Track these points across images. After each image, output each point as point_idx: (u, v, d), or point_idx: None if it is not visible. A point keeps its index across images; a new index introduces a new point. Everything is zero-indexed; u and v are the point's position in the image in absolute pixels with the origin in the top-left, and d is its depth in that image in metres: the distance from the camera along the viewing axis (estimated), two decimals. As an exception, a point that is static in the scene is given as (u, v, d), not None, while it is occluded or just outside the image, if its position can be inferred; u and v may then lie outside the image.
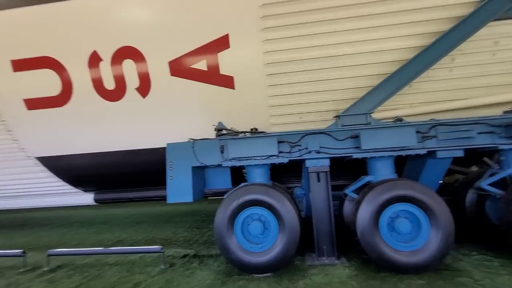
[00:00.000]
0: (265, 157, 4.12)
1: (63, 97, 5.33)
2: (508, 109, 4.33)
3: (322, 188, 4.06)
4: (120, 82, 5.15)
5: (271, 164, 4.26)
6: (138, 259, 4.83)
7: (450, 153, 3.82)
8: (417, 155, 3.92)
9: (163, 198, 4.93)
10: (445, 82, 4.64)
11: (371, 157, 4.01)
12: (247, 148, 4.16)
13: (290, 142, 4.11)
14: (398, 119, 4.25)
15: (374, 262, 3.65)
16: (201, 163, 4.33)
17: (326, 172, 4.05)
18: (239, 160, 4.20)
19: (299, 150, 4.08)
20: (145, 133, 5.42)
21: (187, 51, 4.94)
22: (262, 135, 4.32)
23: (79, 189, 6.35)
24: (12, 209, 7.56)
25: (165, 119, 5.28)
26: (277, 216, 3.81)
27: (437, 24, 4.35)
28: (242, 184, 4.21)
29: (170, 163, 4.42)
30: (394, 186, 3.62)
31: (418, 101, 4.81)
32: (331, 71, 4.69)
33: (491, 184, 3.98)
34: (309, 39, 4.61)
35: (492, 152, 4.40)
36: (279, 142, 4.11)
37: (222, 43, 4.85)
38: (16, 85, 5.36)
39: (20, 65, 5.29)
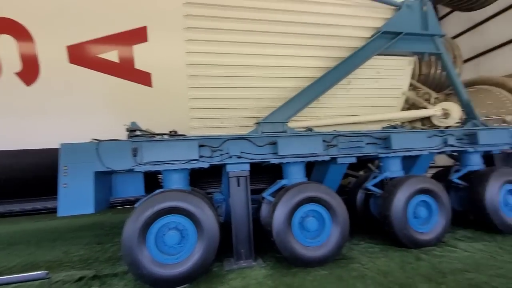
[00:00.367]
0: (185, 161, 3.91)
1: None
2: (386, 126, 5.50)
3: (242, 192, 4.14)
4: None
5: (191, 169, 4.07)
6: (11, 292, 3.74)
7: (347, 160, 4.54)
8: (323, 161, 4.49)
9: (53, 211, 4.01)
10: (344, 100, 5.52)
11: (287, 163, 4.35)
12: (165, 151, 3.85)
13: (212, 147, 4.04)
14: (309, 129, 4.77)
15: (287, 260, 3.93)
16: (108, 168, 3.74)
17: (246, 176, 4.16)
18: (155, 164, 3.84)
19: (221, 154, 4.06)
20: (29, 130, 4.33)
21: (94, 37, 4.25)
22: (182, 138, 4.08)
23: None
24: None
25: (58, 114, 4.36)
26: (196, 224, 3.65)
27: (339, 50, 5.16)
28: (158, 190, 3.86)
29: (65, 168, 3.63)
30: (305, 189, 4.04)
31: (324, 114, 5.56)
32: (253, 79, 4.91)
33: (374, 185, 4.94)
34: (233, 46, 4.71)
35: (374, 159, 5.47)
36: (200, 146, 3.98)
37: (139, 35, 4.40)
38: None
39: None
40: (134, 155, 3.78)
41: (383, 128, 5.34)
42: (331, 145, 4.45)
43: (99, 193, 3.82)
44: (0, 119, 4.22)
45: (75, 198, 3.60)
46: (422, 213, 4.49)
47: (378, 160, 5.12)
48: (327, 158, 4.43)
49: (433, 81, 8.31)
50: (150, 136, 4.09)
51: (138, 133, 4.07)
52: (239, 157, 4.10)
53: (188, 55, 4.53)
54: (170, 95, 4.67)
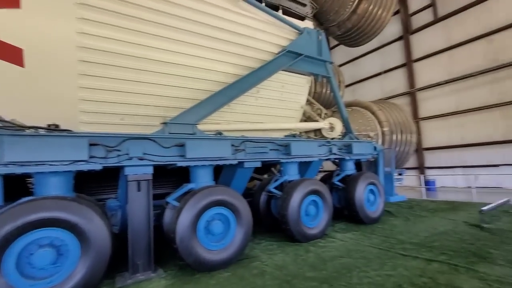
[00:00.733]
0: (69, 162, 3.24)
1: None
2: (287, 134, 6.15)
3: (143, 197, 3.75)
4: None
5: (77, 171, 3.40)
6: None
7: (253, 164, 4.81)
8: (231, 165, 4.61)
9: None
10: (252, 108, 5.86)
11: (195, 166, 4.23)
12: (39, 149, 3.08)
13: (107, 146, 3.51)
14: (219, 133, 4.81)
15: (191, 266, 3.79)
16: None
17: (148, 180, 3.80)
18: (22, 165, 3.02)
19: (118, 155, 3.57)
20: None
21: None
22: (66, 134, 3.37)
23: None
24: None
25: None
26: (81, 237, 3.06)
27: (250, 60, 5.46)
28: (26, 198, 3.04)
29: None
30: (213, 192, 4.02)
31: (234, 119, 5.74)
32: (162, 76, 4.59)
33: (275, 188, 5.41)
34: (142, 36, 4.28)
35: (276, 164, 6.00)
36: (91, 144, 3.40)
37: (7, -3, 3.42)
38: None
39: None
40: (-11, 152, 2.86)
41: (285, 136, 5.95)
42: (239, 150, 4.61)
43: None
44: None
45: None
46: (312, 211, 5.22)
47: (279, 164, 5.65)
48: (235, 162, 4.57)
49: (324, 99, 9.92)
50: (16, 128, 3.20)
51: (-3, 124, 3.12)
52: (141, 159, 3.72)
53: (80, 36, 3.82)
54: (52, 80, 3.81)
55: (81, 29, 3.81)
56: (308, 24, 6.44)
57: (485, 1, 13.01)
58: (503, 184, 12.27)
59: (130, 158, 3.66)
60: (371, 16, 9.32)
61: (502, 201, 6.86)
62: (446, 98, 14.55)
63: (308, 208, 5.17)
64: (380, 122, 9.02)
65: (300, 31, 6.01)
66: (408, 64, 16.17)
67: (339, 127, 6.94)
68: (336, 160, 6.83)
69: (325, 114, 7.52)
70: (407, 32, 16.26)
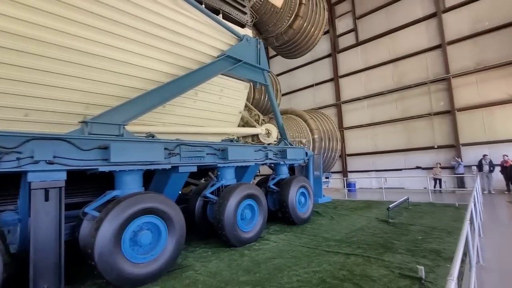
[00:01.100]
0: None
1: None
2: (224, 138, 6.13)
3: (52, 208, 3.18)
4: None
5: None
6: None
7: (188, 168, 4.61)
8: (164, 170, 4.32)
9: None
10: (190, 110, 5.66)
11: (120, 171, 3.82)
12: None
13: (3, 147, 2.87)
14: (151, 135, 4.47)
15: (112, 284, 3.37)
16: None
17: (60, 188, 3.24)
18: None
19: (18, 158, 2.96)
20: None
21: None
22: None
23: None
24: None
25: None
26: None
27: (187, 61, 5.29)
28: None
29: None
30: (141, 200, 3.68)
31: (170, 121, 5.44)
32: (84, 69, 4.03)
33: (212, 192, 5.31)
34: (61, 22, 3.69)
35: (213, 168, 5.90)
36: (-21, 145, 2.73)
37: None
38: None
39: None
40: None
41: (222, 140, 5.92)
42: (173, 154, 4.37)
43: None
44: None
45: None
46: (247, 215, 5.29)
47: (216, 169, 5.57)
48: (168, 166, 4.30)
49: (262, 106, 10.29)
50: None
51: None
52: (50, 163, 3.15)
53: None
54: None
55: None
56: (248, 32, 6.61)
57: (393, 33, 15.69)
58: (404, 185, 14.80)
59: (36, 162, 3.06)
60: (305, 32, 10.17)
61: (403, 199, 8.24)
62: (364, 111, 16.87)
63: (244, 212, 5.22)
64: (311, 130, 9.83)
65: (240, 38, 6.12)
66: (335, 79, 18.20)
67: (275, 133, 7.28)
68: (272, 165, 7.12)
69: (263, 120, 7.80)
70: (335, 51, 18.32)
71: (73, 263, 4.13)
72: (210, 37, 5.62)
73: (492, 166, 11.70)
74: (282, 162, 6.75)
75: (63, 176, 3.27)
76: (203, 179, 7.62)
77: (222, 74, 5.79)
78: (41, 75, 3.69)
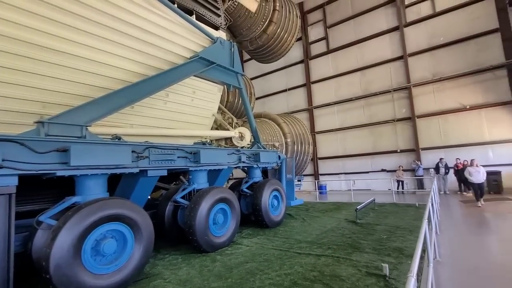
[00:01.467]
0: None
1: None
2: (196, 141, 5.99)
3: (0, 217, 2.86)
4: None
5: None
6: None
7: (158, 172, 4.43)
8: (131, 174, 4.10)
9: None
10: (160, 112, 5.47)
11: (81, 175, 3.55)
12: None
13: None
14: (117, 137, 4.22)
15: (69, 299, 3.10)
16: None
17: (9, 194, 2.93)
18: None
19: (-42, 162, 2.62)
20: None
21: None
22: None
23: None
24: None
25: None
26: None
27: (158, 61, 5.12)
28: None
29: None
30: (104, 206, 3.44)
31: (138, 123, 5.20)
32: (44, 65, 3.72)
33: (183, 197, 5.14)
34: (20, 14, 3.37)
35: (184, 172, 5.74)
36: None
37: None
38: None
39: None
40: None
41: (194, 143, 5.78)
42: (141, 157, 4.17)
43: None
44: None
45: None
46: (220, 219, 5.20)
47: (188, 173, 5.42)
48: (136, 170, 4.09)
49: (236, 109, 10.27)
50: None
51: None
52: (-1, 167, 2.84)
53: None
54: None
55: None
56: (222, 34, 6.58)
57: (361, 43, 16.60)
58: (371, 186, 15.59)
59: (-20, 166, 2.74)
60: (279, 38, 10.37)
61: (369, 200, 8.67)
62: (334, 116, 17.56)
63: (216, 217, 5.12)
64: (284, 134, 10.00)
65: (214, 40, 6.06)
66: (307, 84, 18.75)
67: (248, 136, 7.28)
68: (245, 168, 7.11)
69: (236, 123, 7.77)
70: (307, 57, 18.90)
71: (25, 278, 3.75)
72: (183, 38, 5.50)
73: (447, 168, 12.77)
74: (255, 166, 6.76)
75: (14, 181, 2.96)
76: (174, 183, 7.38)
77: (195, 76, 5.68)
78: (-10, 70, 3.34)
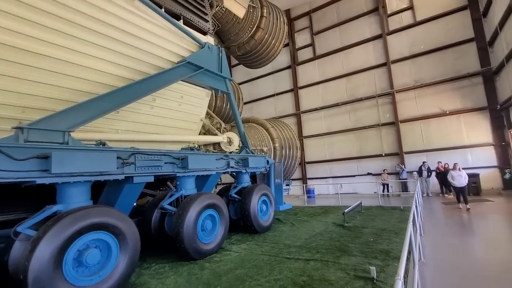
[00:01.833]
0: None
1: None
2: (184, 147, 5.92)
3: (-27, 229, 2.70)
4: None
5: None
6: None
7: (144, 179, 4.32)
8: (116, 180, 3.99)
9: None
10: (147, 117, 5.37)
11: (63, 183, 3.41)
12: None
13: None
14: (101, 143, 4.11)
15: (49, 314, 2.94)
16: None
17: (-16, 204, 2.78)
18: None
19: None
20: None
21: None
22: None
23: None
24: None
25: None
26: None
27: (144, 65, 5.04)
28: None
29: None
30: (87, 214, 3.32)
31: (124, 128, 5.08)
32: (24, 68, 3.58)
33: (170, 204, 5.04)
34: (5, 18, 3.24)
35: (172, 178, 5.64)
36: None
37: None
38: None
39: None
40: None
41: (182, 148, 5.71)
42: (127, 163, 4.06)
43: None
44: None
45: None
46: (208, 225, 5.12)
47: (175, 178, 5.33)
48: (121, 177, 3.98)
49: (224, 113, 10.24)
50: None
51: None
52: (-28, 176, 2.69)
53: None
54: None
55: None
56: (210, 39, 6.58)
57: (346, 50, 17.05)
58: (357, 190, 15.87)
59: (-48, 175, 2.59)
60: (266, 43, 10.49)
61: (356, 204, 8.81)
62: (321, 121, 17.84)
63: (204, 223, 5.05)
64: (272, 139, 10.05)
65: (201, 45, 6.05)
66: (295, 89, 19.00)
67: (236, 141, 7.26)
68: (234, 173, 7.07)
69: (224, 128, 7.74)
70: (294, 63, 19.19)
71: (0, 293, 3.56)
72: (170, 42, 5.45)
73: (429, 171, 13.20)
74: (243, 171, 6.74)
75: (-11, 190, 2.81)
76: (160, 189, 7.24)
77: (182, 81, 5.63)
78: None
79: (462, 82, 13.37)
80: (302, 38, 19.17)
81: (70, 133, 3.70)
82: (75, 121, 3.77)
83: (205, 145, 7.14)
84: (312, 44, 18.56)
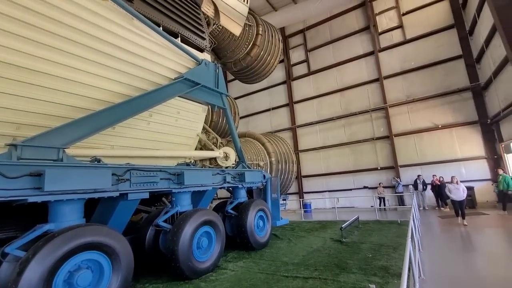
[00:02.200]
0: None
1: None
2: (180, 162, 5.88)
3: (-41, 251, 2.59)
4: None
5: None
6: None
7: (139, 195, 4.25)
8: (110, 197, 3.91)
9: None
10: (143, 132, 5.36)
11: (55, 201, 3.34)
12: None
13: None
14: (96, 159, 4.06)
15: None
16: None
17: (-27, 224, 2.69)
18: None
19: None
20: None
21: None
22: None
23: None
24: None
25: None
26: None
27: (141, 82, 5.09)
28: None
29: None
30: (79, 234, 3.23)
31: (120, 144, 5.05)
32: (19, 85, 3.58)
33: (165, 221, 4.94)
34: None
35: (167, 194, 5.56)
36: None
37: None
38: None
39: None
40: None
41: (178, 164, 5.67)
42: (122, 180, 4.01)
43: None
44: None
45: None
46: (204, 243, 5.01)
47: (171, 194, 5.26)
48: (116, 194, 3.91)
49: (220, 128, 10.27)
50: None
51: None
52: (-38, 195, 2.62)
53: None
54: None
55: None
56: (207, 56, 6.70)
57: (340, 66, 17.50)
58: (354, 204, 15.79)
59: None
60: (262, 60, 10.71)
61: (353, 218, 8.74)
62: (316, 135, 17.99)
63: (200, 241, 4.93)
64: (268, 153, 10.05)
65: (199, 62, 6.15)
66: (290, 104, 19.25)
67: (233, 156, 7.25)
68: (230, 188, 7.00)
69: (221, 143, 7.74)
70: (289, 78, 19.56)
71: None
72: (168, 59, 5.54)
73: (425, 185, 13.26)
74: (240, 186, 6.68)
75: (-21, 209, 2.73)
76: (155, 205, 7.10)
77: (179, 96, 5.68)
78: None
79: (453, 97, 13.73)
80: (296, 55, 19.65)
81: (65, 149, 3.66)
82: (70, 137, 3.74)
83: (201, 160, 7.10)
84: (306, 60, 19.02)
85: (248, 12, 8.31)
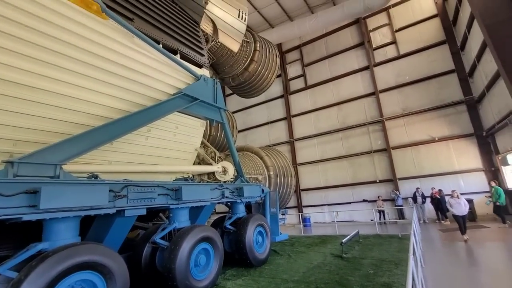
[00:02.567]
0: None
1: None
2: (178, 177, 5.83)
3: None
4: None
5: None
6: None
7: (136, 212, 4.18)
8: (106, 214, 3.85)
9: None
10: (141, 148, 5.34)
11: (50, 219, 3.27)
12: None
13: None
14: (93, 175, 4.02)
15: None
16: None
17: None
18: None
19: None
20: None
21: None
22: None
23: None
24: None
25: None
26: None
27: (140, 97, 5.13)
28: None
29: None
30: (74, 253, 3.14)
31: (117, 159, 5.01)
32: (16, 102, 3.58)
33: (163, 238, 4.83)
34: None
35: (164, 210, 5.48)
36: None
37: None
38: None
39: None
40: None
41: (176, 179, 5.62)
42: (119, 196, 3.95)
43: None
44: None
45: None
46: (202, 260, 4.89)
47: (168, 210, 5.18)
48: (112, 211, 3.85)
49: (218, 142, 10.28)
50: None
51: None
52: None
53: None
54: None
55: None
56: (205, 72, 6.80)
57: (336, 80, 17.82)
58: (354, 217, 15.62)
59: None
60: (260, 75, 10.90)
61: (354, 233, 8.62)
62: (314, 148, 18.04)
63: (198, 258, 4.82)
64: (267, 167, 10.03)
65: (197, 77, 6.24)
66: (288, 118, 19.42)
67: (231, 170, 7.22)
68: (228, 203, 6.92)
69: (219, 157, 7.73)
70: (287, 92, 19.84)
71: None
72: (167, 75, 5.62)
73: (424, 197, 13.20)
74: (239, 200, 6.61)
75: (-28, 229, 2.67)
76: (152, 221, 6.98)
77: (178, 112, 5.71)
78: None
79: (448, 110, 13.94)
80: (293, 69, 20.04)
81: (62, 166, 3.63)
82: (68, 154, 3.72)
83: (200, 174, 7.05)
84: (303, 75, 19.37)
85: (246, 29, 8.53)
